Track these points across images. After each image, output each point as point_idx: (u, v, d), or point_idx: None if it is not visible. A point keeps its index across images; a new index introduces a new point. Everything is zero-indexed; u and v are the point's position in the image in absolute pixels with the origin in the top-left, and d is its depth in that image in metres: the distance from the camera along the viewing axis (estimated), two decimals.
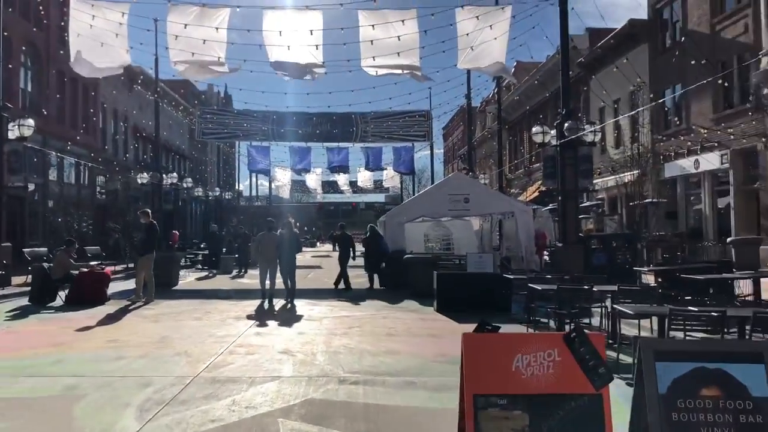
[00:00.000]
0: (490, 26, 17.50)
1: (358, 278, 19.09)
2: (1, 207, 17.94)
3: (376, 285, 18.09)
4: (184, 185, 37.91)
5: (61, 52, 23.55)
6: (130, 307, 13.60)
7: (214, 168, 57.94)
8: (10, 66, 22.95)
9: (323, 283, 19.13)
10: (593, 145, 18.38)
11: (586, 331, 3.46)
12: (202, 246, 31.28)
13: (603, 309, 9.85)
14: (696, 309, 6.97)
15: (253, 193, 53.75)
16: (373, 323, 11.46)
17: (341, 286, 17.68)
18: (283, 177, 44.67)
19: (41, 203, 27.65)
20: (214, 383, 6.81)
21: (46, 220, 27.84)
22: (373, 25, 16.84)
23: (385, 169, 40.62)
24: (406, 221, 19.57)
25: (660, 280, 13.04)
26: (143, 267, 14.73)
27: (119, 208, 33.91)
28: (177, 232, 32.20)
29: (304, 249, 21.16)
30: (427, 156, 44.79)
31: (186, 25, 16.84)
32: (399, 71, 18.06)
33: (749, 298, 10.97)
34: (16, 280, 17.32)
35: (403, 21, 16.94)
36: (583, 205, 25.06)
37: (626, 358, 7.55)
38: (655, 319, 8.21)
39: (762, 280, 11.63)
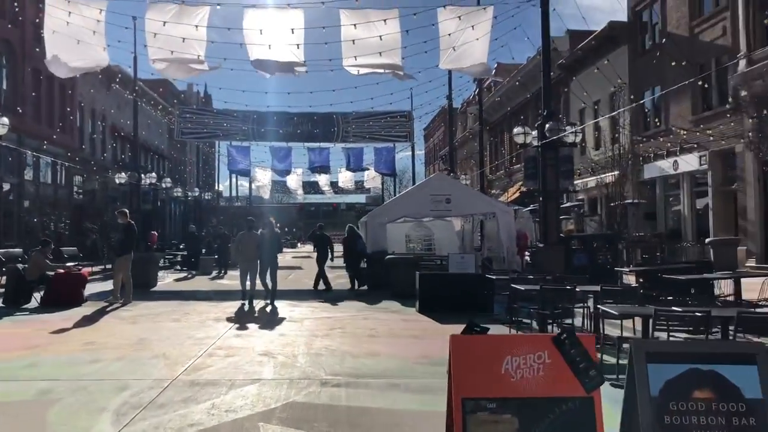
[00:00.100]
0: (472, 27, 17.48)
1: (340, 279, 18.99)
2: None
3: (358, 286, 18.00)
4: (163, 185, 37.52)
5: (37, 49, 23.12)
6: (108, 309, 13.35)
7: (193, 168, 57.45)
8: None
9: (304, 284, 18.98)
10: (574, 146, 18.47)
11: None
12: (181, 247, 30.98)
13: (585, 309, 9.84)
14: (680, 309, 6.95)
15: (233, 193, 53.40)
16: (355, 324, 11.36)
17: (321, 286, 17.60)
18: (264, 177, 44.35)
19: (16, 203, 27.16)
20: (193, 386, 6.67)
21: (22, 220, 27.37)
22: (354, 25, 16.73)
23: (367, 169, 40.46)
24: (387, 222, 19.50)
25: (641, 280, 13.07)
26: (121, 268, 14.50)
27: (97, 208, 33.44)
28: (156, 232, 31.89)
29: (284, 250, 21.01)
30: (408, 157, 44.77)
31: (165, 22, 16.59)
32: (381, 70, 17.98)
33: (730, 298, 11.02)
34: None
35: (385, 20, 16.84)
36: (563, 205, 25.16)
37: (609, 359, 7.51)
38: (637, 319, 8.19)
39: (742, 280, 11.68)
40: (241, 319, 12.07)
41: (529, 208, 25.06)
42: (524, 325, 10.45)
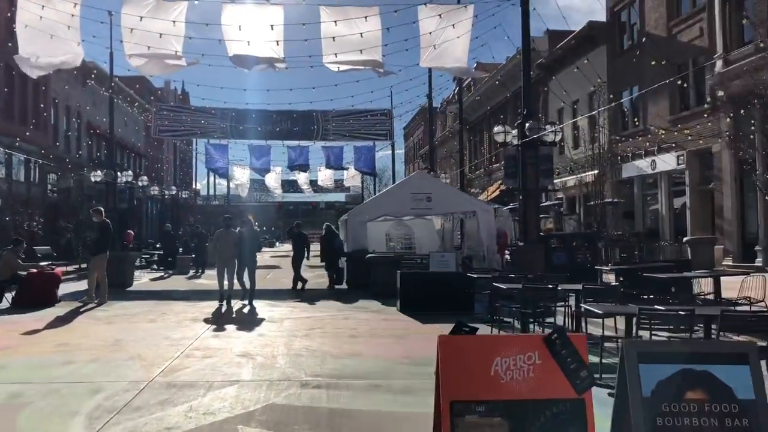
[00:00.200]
0: (453, 25, 17.45)
1: (320, 278, 18.85)
2: None
3: (338, 285, 17.89)
4: (140, 184, 37.02)
5: (9, 44, 22.63)
6: (82, 309, 13.09)
7: (170, 166, 56.80)
8: None
9: (283, 284, 18.80)
10: (554, 145, 18.51)
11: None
12: (157, 246, 30.60)
13: (567, 308, 9.80)
14: (664, 308, 6.92)
15: (211, 192, 52.91)
16: (335, 324, 11.24)
17: (299, 286, 17.50)
18: (242, 176, 44.01)
19: None
20: (169, 388, 6.50)
21: None
22: (335, 21, 16.60)
23: (347, 168, 40.32)
24: (368, 220, 19.40)
25: (621, 279, 13.10)
26: (96, 267, 14.25)
27: (72, 206, 32.80)
28: (132, 231, 31.45)
29: (263, 249, 20.83)
30: (387, 155, 44.61)
31: (142, 17, 16.32)
32: (361, 67, 17.86)
33: (709, 297, 11.07)
34: None
35: (365, 17, 16.73)
36: (542, 204, 25.22)
37: (593, 358, 7.46)
38: (620, 318, 8.17)
39: (721, 278, 11.75)
40: (219, 320, 11.90)
41: (508, 207, 25.09)
42: (506, 324, 10.40)
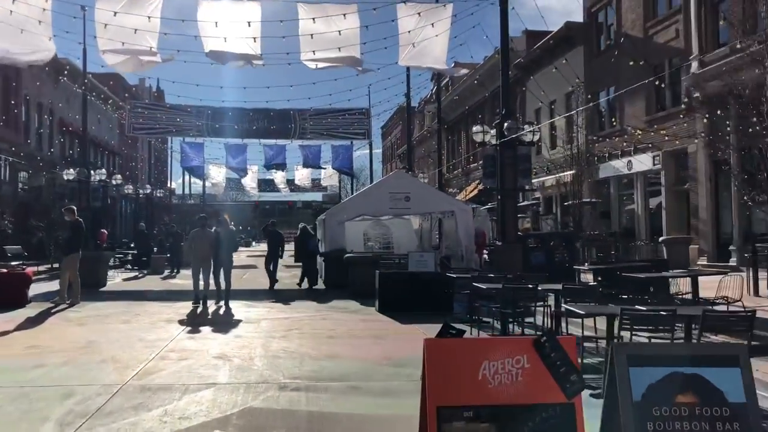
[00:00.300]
0: (432, 24, 17.42)
1: (297, 278, 18.68)
2: None
3: (309, 285, 17.76)
4: (113, 182, 36.41)
5: None
6: (53, 310, 12.78)
7: (145, 165, 56.02)
8: None
9: (260, 284, 18.60)
10: (532, 145, 18.59)
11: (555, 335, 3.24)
12: (131, 245, 30.17)
13: (546, 308, 9.77)
14: (645, 308, 6.90)
15: (186, 191, 52.31)
16: (313, 325, 11.10)
17: (269, 285, 17.39)
18: (218, 174, 43.52)
19: None
20: (144, 392, 6.33)
21: None
22: (313, 18, 16.47)
23: (324, 168, 40.05)
24: (346, 220, 19.28)
25: (600, 278, 13.13)
26: (68, 267, 13.93)
27: (43, 205, 32.21)
28: (105, 230, 30.92)
29: (239, 249, 20.62)
30: (365, 155, 44.54)
31: (116, 12, 16.01)
32: (339, 64, 17.74)
33: (687, 296, 11.14)
34: None
35: (344, 15, 16.61)
36: (520, 204, 25.31)
37: None
38: (599, 318, 8.15)
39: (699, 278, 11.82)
40: (194, 321, 11.69)
41: (486, 207, 25.13)
42: (485, 324, 10.35)
